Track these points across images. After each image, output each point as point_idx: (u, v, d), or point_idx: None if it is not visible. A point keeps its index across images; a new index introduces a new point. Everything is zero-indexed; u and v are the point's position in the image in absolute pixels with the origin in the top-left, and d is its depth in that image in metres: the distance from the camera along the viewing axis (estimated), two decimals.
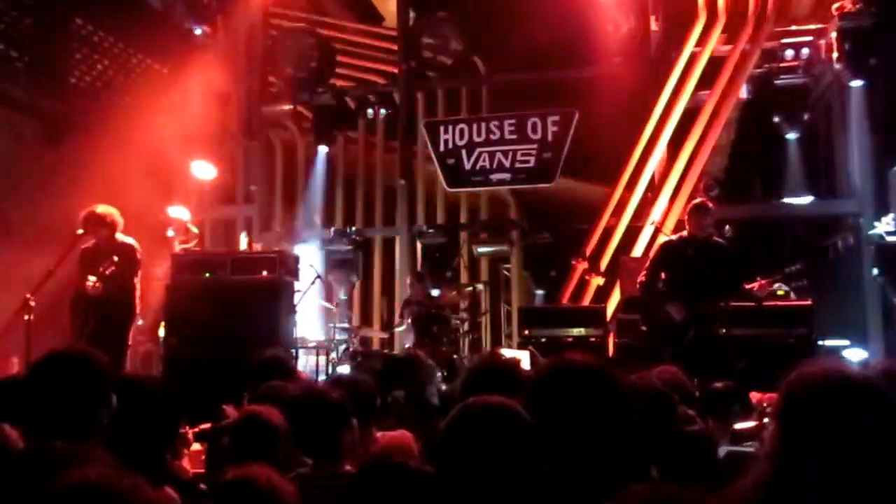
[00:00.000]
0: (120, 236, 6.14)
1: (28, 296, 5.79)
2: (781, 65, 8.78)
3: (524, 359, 2.99)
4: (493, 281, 10.41)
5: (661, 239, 6.42)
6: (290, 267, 8.21)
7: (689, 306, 5.60)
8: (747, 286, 5.77)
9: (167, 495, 2.11)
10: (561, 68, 9.53)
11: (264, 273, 7.92)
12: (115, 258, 5.97)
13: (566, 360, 1.86)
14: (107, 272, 5.89)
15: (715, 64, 9.06)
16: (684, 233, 5.96)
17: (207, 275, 7.96)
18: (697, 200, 6.20)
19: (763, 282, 5.84)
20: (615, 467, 1.64)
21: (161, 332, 7.38)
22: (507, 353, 2.89)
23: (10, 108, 7.47)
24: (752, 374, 5.25)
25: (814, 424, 1.44)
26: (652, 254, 6.35)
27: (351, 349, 7.98)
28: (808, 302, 6.84)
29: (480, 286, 9.53)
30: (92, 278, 5.88)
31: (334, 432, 2.74)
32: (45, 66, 7.89)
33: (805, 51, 8.75)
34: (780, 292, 7.69)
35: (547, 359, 1.93)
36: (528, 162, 9.45)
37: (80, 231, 6.02)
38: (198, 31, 9.48)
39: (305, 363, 7.99)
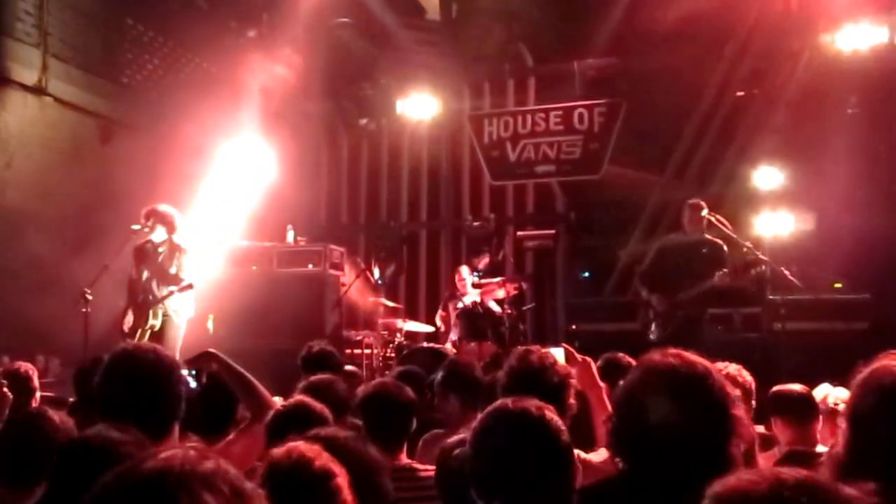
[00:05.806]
0: (176, 238, 6.23)
1: (85, 289, 5.96)
2: None
3: (559, 355, 2.96)
4: (539, 274, 10.30)
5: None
6: (335, 260, 8.27)
7: (673, 296, 5.93)
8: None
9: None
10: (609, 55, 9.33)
11: (310, 266, 8.03)
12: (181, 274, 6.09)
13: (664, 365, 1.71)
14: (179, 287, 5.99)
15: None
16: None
17: (254, 268, 8.10)
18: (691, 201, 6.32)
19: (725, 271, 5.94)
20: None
21: (209, 325, 7.52)
22: (547, 350, 2.87)
23: (65, 107, 7.70)
24: (807, 369, 5.06)
25: (886, 425, 1.39)
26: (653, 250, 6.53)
27: (396, 342, 7.99)
28: (868, 295, 6.59)
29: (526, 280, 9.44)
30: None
31: (402, 427, 2.84)
32: (97, 66, 8.09)
33: None
34: (837, 285, 7.41)
35: (643, 363, 1.80)
36: (573, 153, 9.30)
37: (137, 227, 6.14)
38: (249, 33, 9.60)
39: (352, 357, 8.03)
